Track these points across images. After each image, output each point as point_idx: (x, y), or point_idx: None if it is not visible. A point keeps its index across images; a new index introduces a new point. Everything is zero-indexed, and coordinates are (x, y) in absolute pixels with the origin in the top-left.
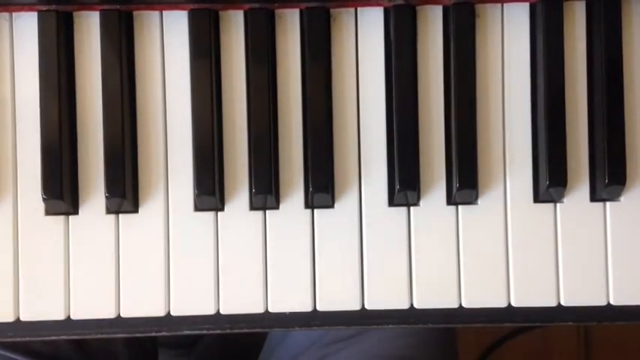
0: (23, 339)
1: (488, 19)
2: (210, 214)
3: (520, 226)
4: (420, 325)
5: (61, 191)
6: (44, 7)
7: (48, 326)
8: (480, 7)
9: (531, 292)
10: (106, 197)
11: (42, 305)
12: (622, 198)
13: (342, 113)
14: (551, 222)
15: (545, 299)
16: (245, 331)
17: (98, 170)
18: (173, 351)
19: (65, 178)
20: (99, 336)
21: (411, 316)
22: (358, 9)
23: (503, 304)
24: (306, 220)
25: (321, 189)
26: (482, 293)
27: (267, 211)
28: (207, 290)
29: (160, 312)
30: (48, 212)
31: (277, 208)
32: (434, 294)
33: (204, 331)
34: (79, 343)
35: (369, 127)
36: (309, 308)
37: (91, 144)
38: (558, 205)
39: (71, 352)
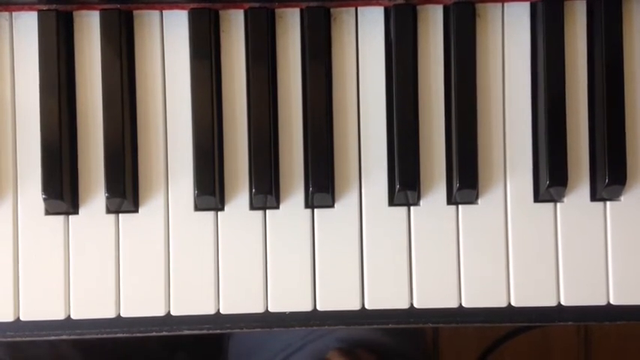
0: (23, 339)
1: (489, 18)
2: (210, 214)
3: (520, 225)
4: (420, 325)
5: (61, 191)
6: (44, 7)
7: (48, 326)
8: (480, 7)
9: (531, 292)
10: (106, 197)
11: (42, 305)
12: (622, 198)
13: (343, 113)
14: (551, 222)
15: (545, 299)
16: (245, 331)
17: (98, 170)
18: None
19: (65, 178)
20: (99, 336)
21: (411, 315)
22: (358, 8)
23: (503, 304)
24: (306, 220)
25: (321, 189)
26: (482, 293)
27: (268, 211)
28: (207, 290)
29: (160, 312)
30: (48, 212)
31: (277, 208)
32: (434, 294)
33: (205, 331)
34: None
35: (370, 126)
36: (309, 308)
37: (91, 144)
38: (558, 204)
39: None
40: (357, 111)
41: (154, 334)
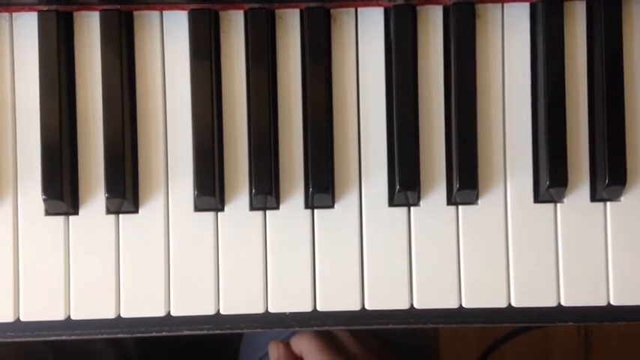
0: (23, 339)
1: (489, 19)
2: (210, 215)
3: (520, 226)
4: (420, 325)
5: (61, 191)
6: (44, 7)
7: (48, 326)
8: (480, 7)
9: (531, 292)
10: (106, 197)
11: (42, 305)
12: (622, 198)
13: (342, 113)
14: (551, 222)
15: (545, 299)
16: (245, 331)
17: (98, 170)
18: None
19: (65, 178)
20: (99, 336)
21: (411, 316)
22: (358, 9)
23: (503, 304)
24: (306, 220)
25: (321, 189)
26: (483, 293)
27: (268, 212)
28: (208, 290)
29: (160, 312)
30: (48, 212)
31: (277, 208)
32: (434, 294)
33: (205, 331)
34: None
35: (370, 127)
36: (309, 308)
37: (91, 144)
38: (558, 205)
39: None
40: (357, 111)
41: (154, 334)
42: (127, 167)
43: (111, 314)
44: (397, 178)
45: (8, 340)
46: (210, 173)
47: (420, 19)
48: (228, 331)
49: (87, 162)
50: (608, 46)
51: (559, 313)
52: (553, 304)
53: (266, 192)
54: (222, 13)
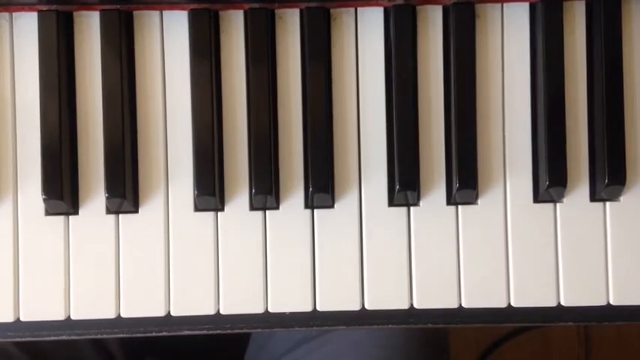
0: (23, 339)
1: (488, 19)
2: (210, 215)
3: (520, 226)
4: (420, 325)
5: (61, 191)
6: (44, 7)
7: (48, 326)
8: (479, 7)
9: (531, 292)
10: (106, 197)
11: (42, 305)
12: (622, 198)
13: (342, 113)
14: (551, 222)
15: (545, 299)
16: (245, 331)
17: (98, 170)
18: None
19: (65, 178)
20: (99, 336)
21: (411, 316)
22: (358, 9)
23: (503, 304)
24: (306, 220)
25: (321, 189)
26: (483, 293)
27: (267, 212)
28: (207, 290)
29: (160, 312)
30: (48, 212)
31: (277, 208)
32: (434, 294)
33: (205, 331)
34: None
35: (369, 127)
36: (309, 308)
37: (91, 144)
38: (558, 205)
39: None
40: (357, 111)
41: (153, 334)
42: (127, 167)
43: (111, 314)
44: (397, 178)
45: (8, 340)
46: (210, 173)
47: (420, 19)
48: (228, 331)
49: (87, 162)
50: (608, 45)
51: (559, 313)
52: (553, 304)
53: (266, 192)
54: (222, 13)
